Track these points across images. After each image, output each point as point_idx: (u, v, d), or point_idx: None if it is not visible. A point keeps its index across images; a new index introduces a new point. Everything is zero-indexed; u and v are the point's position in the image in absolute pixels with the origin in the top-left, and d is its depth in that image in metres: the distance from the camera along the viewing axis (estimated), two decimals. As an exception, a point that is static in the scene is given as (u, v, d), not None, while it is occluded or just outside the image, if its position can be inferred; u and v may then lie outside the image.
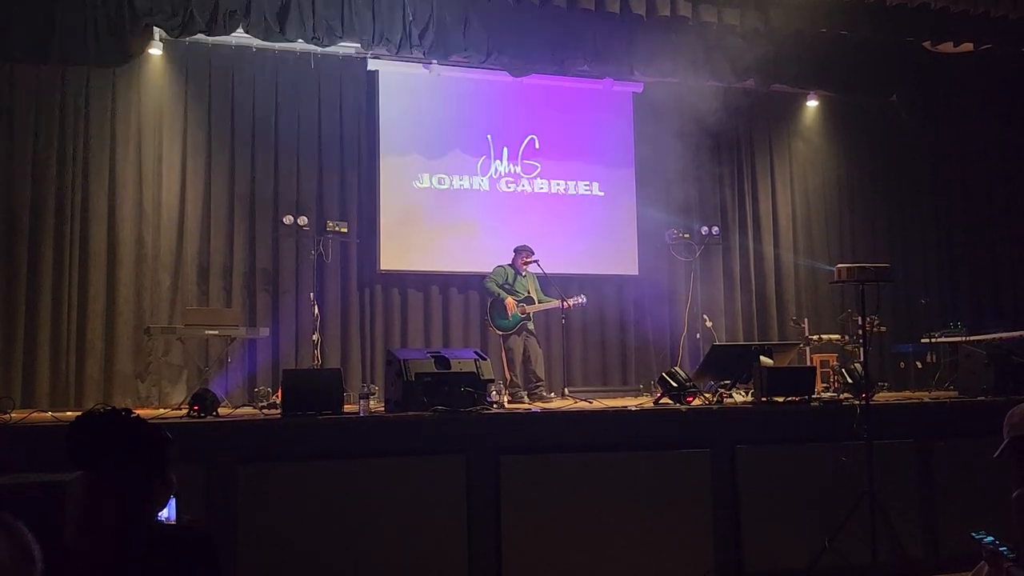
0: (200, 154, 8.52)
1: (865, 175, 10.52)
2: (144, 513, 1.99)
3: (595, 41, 7.97)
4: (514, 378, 7.79)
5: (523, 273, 8.06)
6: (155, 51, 8.23)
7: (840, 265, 5.59)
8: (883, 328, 8.43)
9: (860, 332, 7.08)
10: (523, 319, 7.89)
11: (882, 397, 6.79)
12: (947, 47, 8.51)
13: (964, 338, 8.29)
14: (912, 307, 9.91)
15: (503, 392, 6.95)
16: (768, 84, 8.83)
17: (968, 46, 8.39)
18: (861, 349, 6.78)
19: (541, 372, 7.91)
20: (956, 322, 8.92)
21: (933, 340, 8.71)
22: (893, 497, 5.29)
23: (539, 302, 8.05)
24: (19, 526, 1.13)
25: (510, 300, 7.83)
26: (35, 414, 6.05)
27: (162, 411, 6.68)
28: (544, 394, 7.69)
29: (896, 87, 9.09)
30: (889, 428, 5.60)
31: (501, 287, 7.95)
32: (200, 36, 7.64)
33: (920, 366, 9.06)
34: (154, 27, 7.43)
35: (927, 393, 7.66)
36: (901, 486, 5.56)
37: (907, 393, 8.02)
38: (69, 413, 6.37)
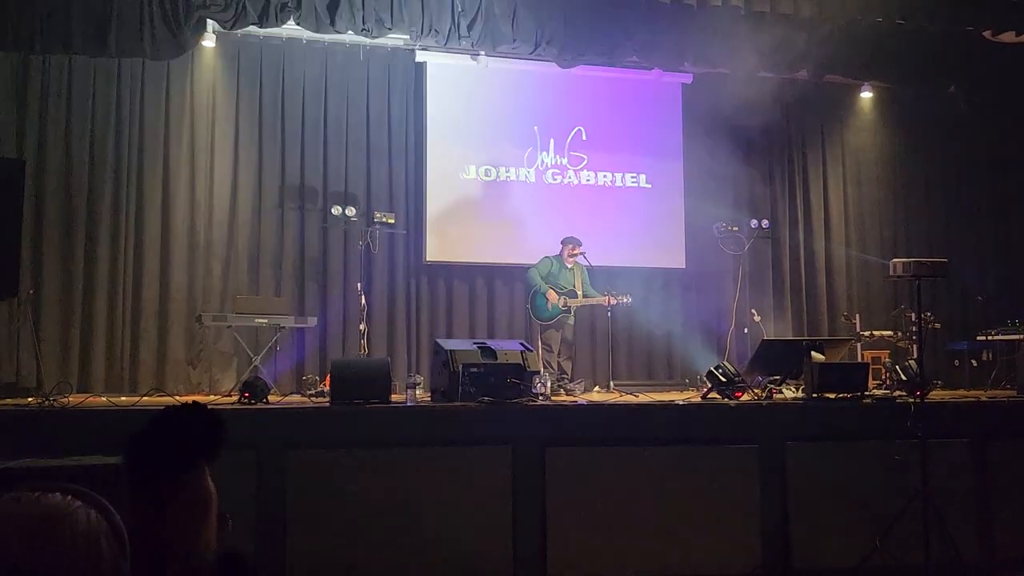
0: (251, 145, 8.64)
1: (921, 169, 10.28)
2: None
3: (645, 31, 7.89)
4: (558, 370, 7.79)
5: (569, 266, 8.05)
6: (208, 43, 8.35)
7: (896, 260, 5.47)
8: (937, 325, 8.24)
9: (914, 328, 6.94)
10: (563, 311, 7.88)
11: (937, 395, 6.62)
12: (1009, 36, 8.25)
13: (1022, 336, 8.07)
14: (967, 304, 9.67)
15: (548, 384, 6.93)
16: (821, 75, 8.66)
17: (1031, 35, 8.14)
18: (915, 346, 6.65)
19: (567, 367, 7.92)
20: (1014, 320, 8.68)
21: (989, 338, 8.49)
22: (947, 497, 5.17)
23: (583, 296, 8.02)
24: (111, 508, 1.14)
25: (552, 293, 7.82)
26: (91, 399, 6.21)
27: (213, 398, 6.80)
28: (567, 387, 7.65)
29: (955, 78, 8.83)
30: (944, 427, 5.46)
31: (544, 278, 7.95)
32: (252, 28, 7.73)
33: (976, 364, 8.84)
34: (207, 20, 7.53)
35: (983, 392, 7.47)
36: (956, 486, 5.42)
37: (962, 392, 7.82)
38: (123, 398, 6.52)
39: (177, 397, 6.48)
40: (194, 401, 1.88)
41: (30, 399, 5.73)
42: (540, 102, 9.39)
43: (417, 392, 5.66)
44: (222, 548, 1.86)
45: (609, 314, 8.31)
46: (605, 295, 7.95)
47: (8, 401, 5.74)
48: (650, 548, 5.06)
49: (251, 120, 8.67)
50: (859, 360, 7.85)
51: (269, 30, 7.93)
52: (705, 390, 6.15)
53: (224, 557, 1.77)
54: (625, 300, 8.02)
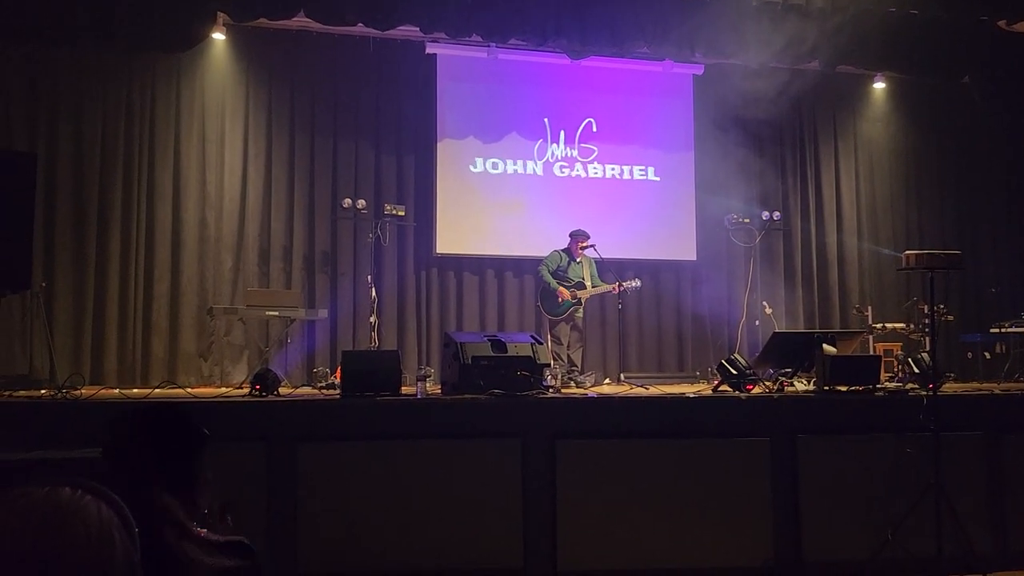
0: (261, 138, 8.66)
1: (934, 160, 10.21)
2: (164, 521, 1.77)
3: (655, 22, 7.84)
4: (568, 363, 7.78)
5: (578, 259, 8.03)
6: (218, 36, 8.37)
7: (909, 252, 5.42)
8: (950, 317, 8.19)
9: (927, 321, 6.89)
10: (574, 304, 7.87)
11: (950, 388, 6.57)
12: (1023, 26, 8.18)
13: (1036, 328, 8.02)
14: (980, 296, 9.62)
15: (558, 377, 6.93)
16: (833, 65, 8.59)
17: (1046, 25, 8.06)
18: (927, 338, 6.60)
19: (577, 359, 7.92)
20: (1028, 312, 8.62)
21: (1003, 330, 8.44)
22: (960, 490, 5.13)
23: (592, 287, 8.01)
24: (120, 501, 1.15)
25: (563, 290, 7.82)
26: (103, 391, 6.24)
27: (224, 390, 6.82)
28: (578, 379, 7.64)
29: (969, 68, 8.75)
30: (957, 420, 5.42)
31: (554, 273, 7.94)
32: (262, 20, 7.73)
33: (989, 357, 8.78)
34: (218, 12, 7.54)
35: (996, 384, 7.42)
36: (968, 479, 5.39)
37: (975, 384, 7.78)
38: (136, 390, 6.55)
39: (189, 390, 6.50)
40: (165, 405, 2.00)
41: (43, 391, 5.76)
42: (550, 94, 9.36)
43: (427, 384, 5.65)
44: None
45: (620, 305, 8.28)
46: (615, 282, 7.96)
47: (21, 393, 5.76)
48: (660, 541, 5.05)
49: (261, 112, 8.69)
50: (871, 353, 7.82)
51: (279, 22, 7.93)
52: (716, 383, 6.12)
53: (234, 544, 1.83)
54: (634, 284, 8.02)
